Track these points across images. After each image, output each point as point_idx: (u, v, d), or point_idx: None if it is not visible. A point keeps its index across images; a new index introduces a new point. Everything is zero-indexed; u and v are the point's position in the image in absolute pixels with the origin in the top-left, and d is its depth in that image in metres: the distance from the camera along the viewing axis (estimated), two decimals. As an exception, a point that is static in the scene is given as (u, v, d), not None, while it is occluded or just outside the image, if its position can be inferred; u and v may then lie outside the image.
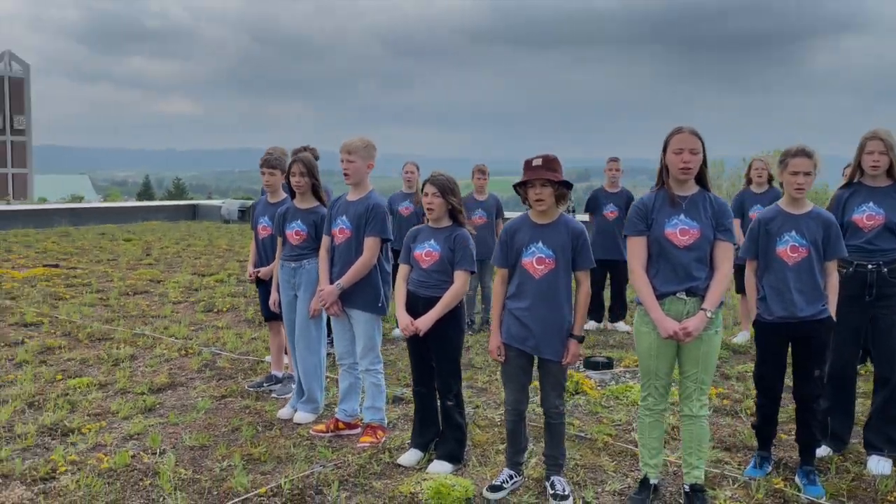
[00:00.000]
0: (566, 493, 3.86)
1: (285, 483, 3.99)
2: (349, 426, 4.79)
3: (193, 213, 24.00)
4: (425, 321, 4.13)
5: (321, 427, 4.82)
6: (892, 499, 3.89)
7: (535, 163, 3.75)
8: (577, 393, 5.62)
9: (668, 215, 3.66)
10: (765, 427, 4.23)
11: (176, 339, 7.37)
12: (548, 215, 3.85)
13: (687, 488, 3.78)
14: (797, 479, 4.04)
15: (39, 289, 10.14)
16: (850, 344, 4.37)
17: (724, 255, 3.66)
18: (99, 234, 18.27)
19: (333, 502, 3.82)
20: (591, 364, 6.30)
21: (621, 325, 8.01)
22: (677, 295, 3.63)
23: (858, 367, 4.88)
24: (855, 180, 4.37)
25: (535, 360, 3.92)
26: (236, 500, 3.83)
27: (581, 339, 3.87)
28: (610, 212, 7.87)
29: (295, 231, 5.01)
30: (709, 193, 3.72)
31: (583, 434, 4.78)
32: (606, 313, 8.13)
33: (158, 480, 4.02)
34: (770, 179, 7.08)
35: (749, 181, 7.17)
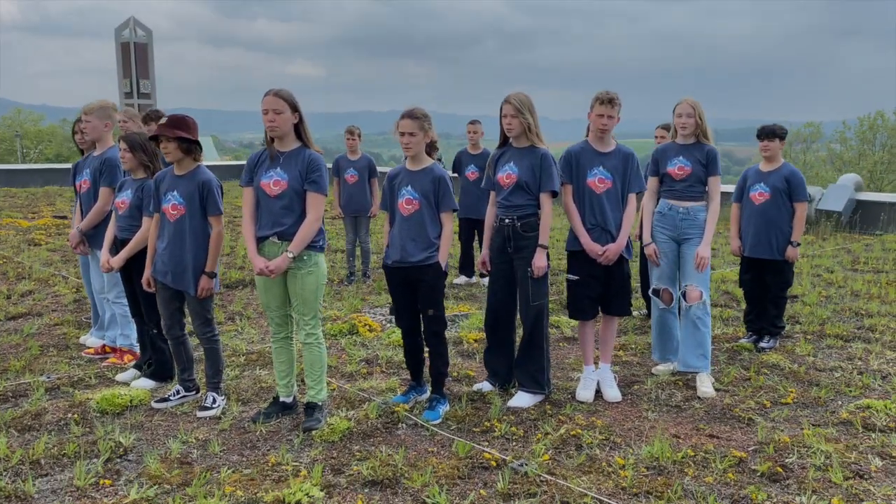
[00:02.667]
0: (212, 406, 4.55)
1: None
2: (113, 350, 5.64)
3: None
4: (116, 260, 4.89)
5: (91, 350, 5.70)
6: (489, 425, 4.35)
7: (161, 121, 4.41)
8: (353, 333, 6.25)
9: (266, 168, 4.22)
10: (409, 360, 4.75)
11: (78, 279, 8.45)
12: (182, 167, 4.48)
13: (304, 405, 4.41)
14: None
15: (27, 237, 11.57)
16: (501, 290, 4.80)
17: (312, 204, 4.18)
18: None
19: (29, 404, 4.68)
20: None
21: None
22: (271, 239, 4.20)
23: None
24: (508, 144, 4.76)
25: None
26: (-48, 397, 4.77)
27: (212, 276, 4.51)
28: (471, 172, 8.21)
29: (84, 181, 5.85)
30: (306, 150, 4.23)
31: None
32: (477, 269, 8.50)
33: None
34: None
35: None
